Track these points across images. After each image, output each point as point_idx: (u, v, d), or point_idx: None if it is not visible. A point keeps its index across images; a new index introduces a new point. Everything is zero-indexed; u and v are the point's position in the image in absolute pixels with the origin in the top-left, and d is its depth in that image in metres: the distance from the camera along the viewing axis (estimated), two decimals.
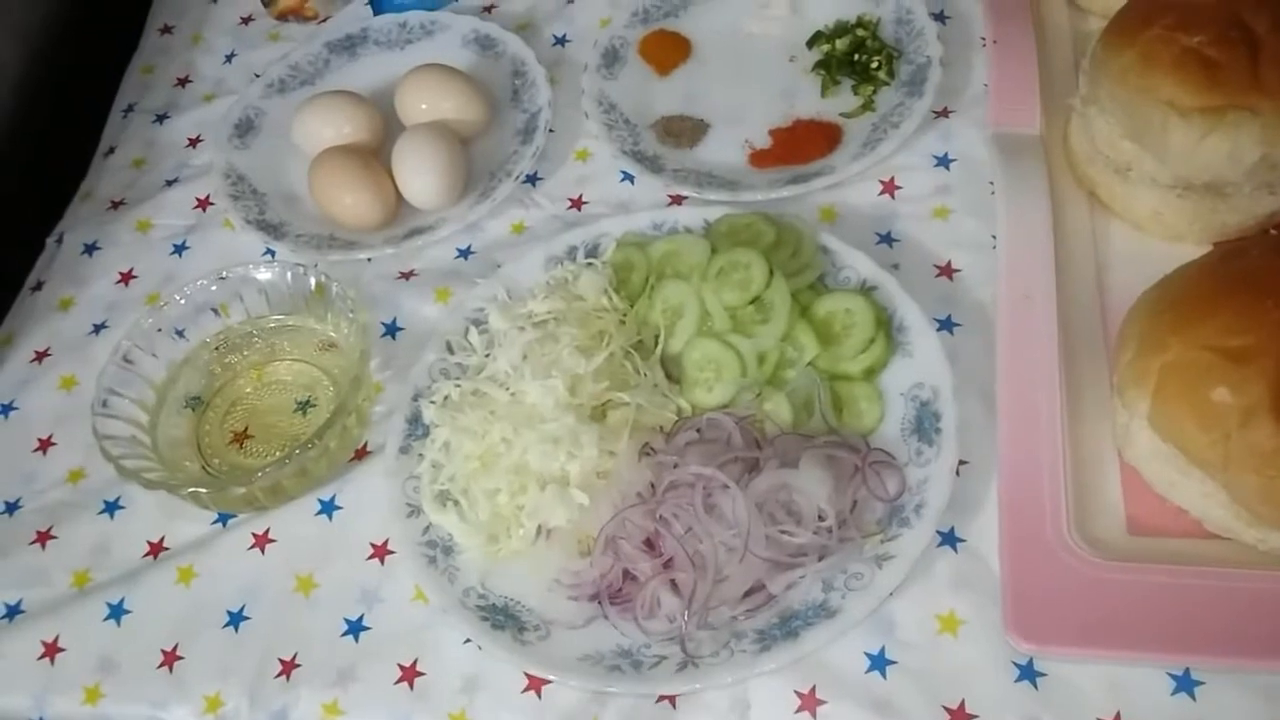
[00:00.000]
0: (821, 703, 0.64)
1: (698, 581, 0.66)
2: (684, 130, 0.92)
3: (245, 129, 0.97)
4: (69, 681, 0.71)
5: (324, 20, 1.07)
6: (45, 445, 0.82)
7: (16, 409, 0.84)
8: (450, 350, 0.79)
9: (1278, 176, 0.74)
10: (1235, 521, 0.64)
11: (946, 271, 0.80)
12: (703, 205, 0.84)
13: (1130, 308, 0.70)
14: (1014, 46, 0.88)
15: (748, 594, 0.66)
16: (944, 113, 0.88)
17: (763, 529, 0.66)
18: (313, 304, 0.83)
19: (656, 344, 0.76)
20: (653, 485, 0.69)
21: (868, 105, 0.90)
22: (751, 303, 0.75)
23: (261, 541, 0.75)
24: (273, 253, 0.89)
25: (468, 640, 0.68)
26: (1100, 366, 0.73)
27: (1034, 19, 0.90)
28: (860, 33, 0.93)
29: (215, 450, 0.79)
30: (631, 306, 0.78)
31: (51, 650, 0.72)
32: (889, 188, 0.85)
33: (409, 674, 0.68)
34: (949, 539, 0.68)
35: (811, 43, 0.95)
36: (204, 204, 0.95)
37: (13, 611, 0.74)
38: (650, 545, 0.68)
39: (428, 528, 0.72)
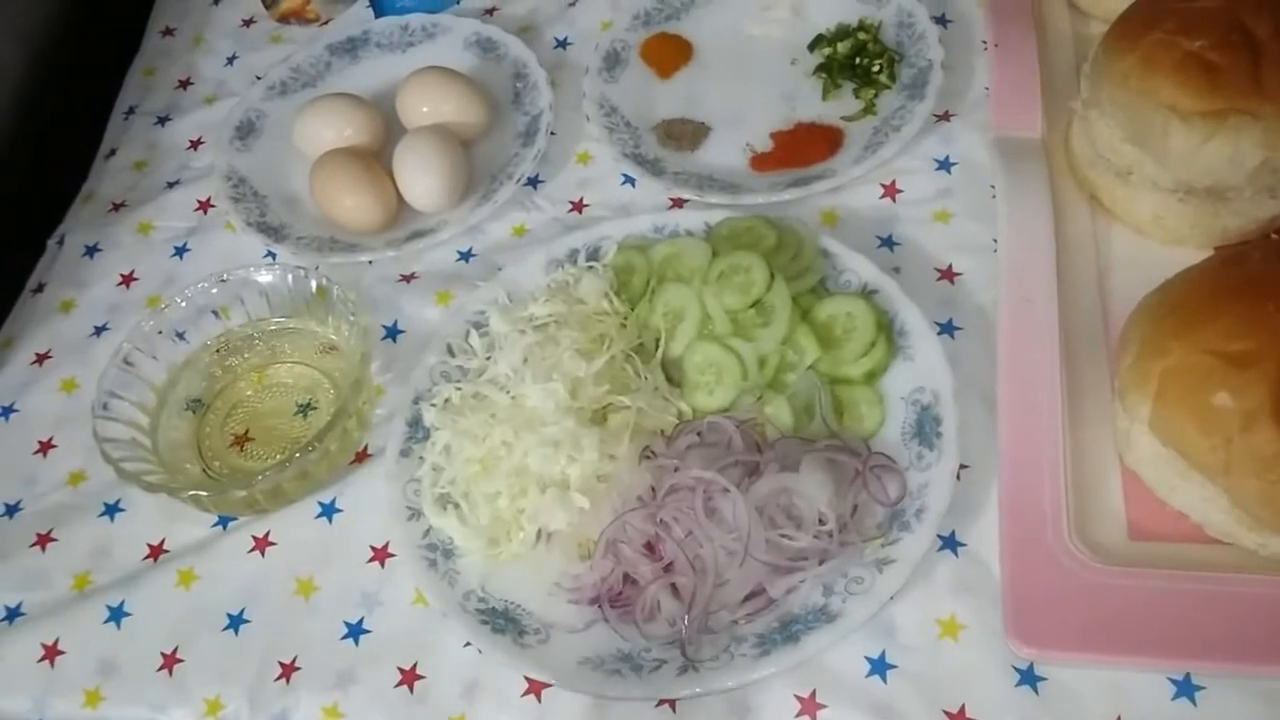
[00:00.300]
0: (822, 707, 0.64)
1: (698, 585, 0.66)
2: (685, 133, 0.92)
3: (246, 131, 0.97)
4: (69, 684, 0.71)
5: (325, 22, 1.07)
6: (46, 447, 0.82)
7: (17, 411, 0.84)
8: (451, 353, 0.79)
9: (1279, 180, 0.74)
10: (1236, 526, 0.64)
11: (947, 275, 0.80)
12: (704, 208, 0.84)
13: (1131, 312, 0.70)
14: (1015, 50, 0.88)
15: (748, 598, 0.66)
16: (945, 116, 0.88)
17: (763, 533, 0.66)
18: (314, 306, 0.83)
19: (657, 347, 0.76)
20: (653, 489, 0.69)
21: (869, 108, 0.90)
22: (752, 306, 0.75)
23: (262, 544, 0.75)
24: (274, 255, 0.89)
25: (468, 644, 0.68)
26: (1101, 371, 0.73)
27: (1035, 22, 0.90)
28: (862, 36, 0.93)
29: (216, 453, 0.79)
30: (632, 310, 0.78)
31: (51, 653, 0.72)
32: (890, 191, 0.85)
33: (409, 677, 0.68)
34: (950, 543, 0.68)
35: (813, 46, 0.95)
36: (205, 206, 0.95)
37: (13, 614, 0.74)
38: (651, 549, 0.68)
39: (428, 531, 0.72)
